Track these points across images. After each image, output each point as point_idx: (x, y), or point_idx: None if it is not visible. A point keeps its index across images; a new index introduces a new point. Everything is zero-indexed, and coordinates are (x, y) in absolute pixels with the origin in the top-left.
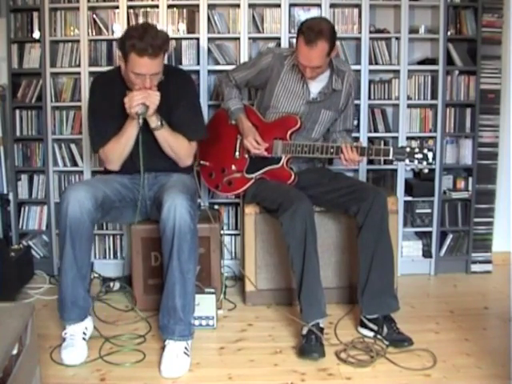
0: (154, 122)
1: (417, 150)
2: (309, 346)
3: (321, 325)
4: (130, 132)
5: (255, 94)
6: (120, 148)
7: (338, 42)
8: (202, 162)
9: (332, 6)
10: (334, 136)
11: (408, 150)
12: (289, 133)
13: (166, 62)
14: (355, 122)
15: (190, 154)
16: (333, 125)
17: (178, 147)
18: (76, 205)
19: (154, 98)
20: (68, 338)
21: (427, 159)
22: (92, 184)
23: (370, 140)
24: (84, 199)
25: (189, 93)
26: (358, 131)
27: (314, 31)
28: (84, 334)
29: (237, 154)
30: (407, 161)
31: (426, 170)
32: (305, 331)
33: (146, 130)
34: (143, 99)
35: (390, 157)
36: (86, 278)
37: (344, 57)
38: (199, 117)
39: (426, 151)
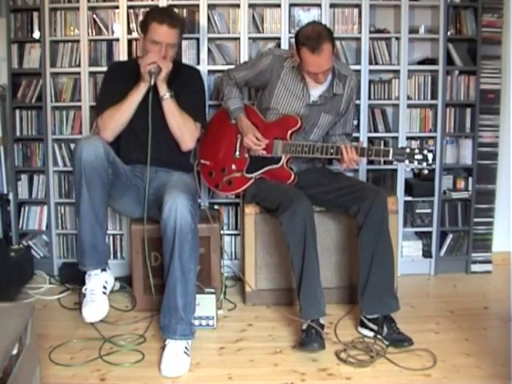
0: (164, 89)
1: (417, 151)
2: (309, 339)
3: (321, 321)
4: (135, 97)
5: (255, 94)
6: (119, 112)
7: (337, 42)
8: (202, 161)
9: (332, 5)
10: (332, 139)
11: (408, 150)
12: (289, 133)
13: None
14: (355, 122)
15: (194, 136)
16: (332, 128)
17: (185, 124)
18: (91, 149)
19: (168, 64)
20: (88, 294)
21: (427, 160)
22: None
23: (370, 140)
24: (99, 147)
25: (195, 83)
26: (358, 131)
27: (313, 38)
28: (104, 287)
29: (237, 153)
30: (407, 162)
31: (426, 171)
32: (305, 326)
33: (153, 117)
34: (158, 60)
35: (390, 158)
36: (102, 226)
37: (344, 57)
38: (203, 103)
39: (425, 152)
